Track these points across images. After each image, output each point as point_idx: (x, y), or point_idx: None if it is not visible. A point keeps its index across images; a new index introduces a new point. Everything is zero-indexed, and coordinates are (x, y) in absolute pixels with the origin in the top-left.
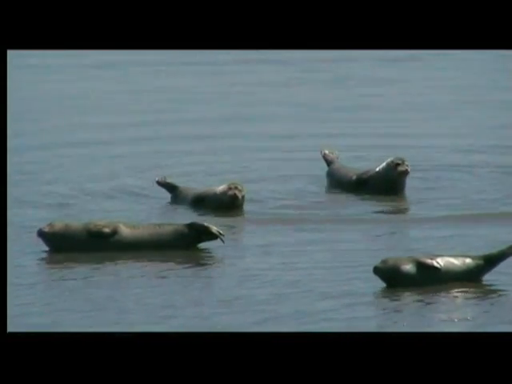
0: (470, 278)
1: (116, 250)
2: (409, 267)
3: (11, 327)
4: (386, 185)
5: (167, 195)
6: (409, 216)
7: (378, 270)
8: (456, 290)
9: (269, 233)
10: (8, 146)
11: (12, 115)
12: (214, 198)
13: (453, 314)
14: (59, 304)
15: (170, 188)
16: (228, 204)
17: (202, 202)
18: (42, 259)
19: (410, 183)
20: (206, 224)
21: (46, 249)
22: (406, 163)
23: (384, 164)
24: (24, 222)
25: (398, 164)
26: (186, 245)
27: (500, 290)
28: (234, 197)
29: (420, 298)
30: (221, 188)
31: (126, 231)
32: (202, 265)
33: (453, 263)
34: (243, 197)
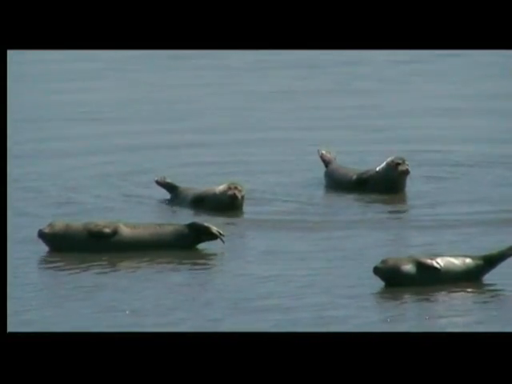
0: (469, 278)
1: (116, 250)
2: (409, 267)
3: (11, 327)
4: (386, 184)
5: (167, 195)
6: (410, 219)
7: (378, 270)
8: (456, 290)
9: (268, 234)
10: (8, 146)
11: (12, 115)
12: (214, 198)
13: (453, 314)
14: (59, 304)
15: (170, 188)
16: (227, 204)
17: (202, 202)
18: (43, 260)
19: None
20: (206, 224)
21: (47, 249)
22: (407, 163)
23: (384, 164)
24: (24, 222)
25: (398, 164)
26: (186, 245)
27: (500, 290)
28: (234, 197)
29: (420, 297)
30: (220, 188)
31: (126, 231)
32: (203, 265)
33: (453, 263)
34: (243, 197)
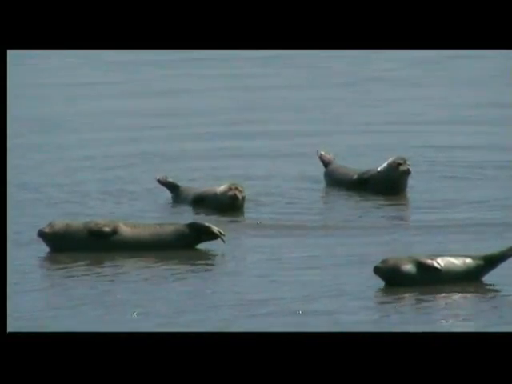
0: (470, 278)
1: (116, 249)
2: (409, 267)
3: (11, 327)
4: (387, 184)
5: (168, 195)
6: (410, 222)
7: (378, 270)
8: (456, 290)
9: (268, 235)
10: (8, 147)
11: (12, 115)
12: (215, 198)
13: (453, 314)
14: (59, 304)
15: (171, 187)
16: (228, 204)
17: (203, 202)
18: (43, 259)
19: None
20: (206, 224)
21: (47, 249)
22: (408, 163)
23: (385, 164)
24: (24, 222)
25: (399, 164)
26: (187, 244)
27: (500, 290)
28: (235, 197)
29: (420, 297)
30: (221, 188)
31: (126, 230)
32: (203, 265)
33: (453, 263)
34: (243, 197)
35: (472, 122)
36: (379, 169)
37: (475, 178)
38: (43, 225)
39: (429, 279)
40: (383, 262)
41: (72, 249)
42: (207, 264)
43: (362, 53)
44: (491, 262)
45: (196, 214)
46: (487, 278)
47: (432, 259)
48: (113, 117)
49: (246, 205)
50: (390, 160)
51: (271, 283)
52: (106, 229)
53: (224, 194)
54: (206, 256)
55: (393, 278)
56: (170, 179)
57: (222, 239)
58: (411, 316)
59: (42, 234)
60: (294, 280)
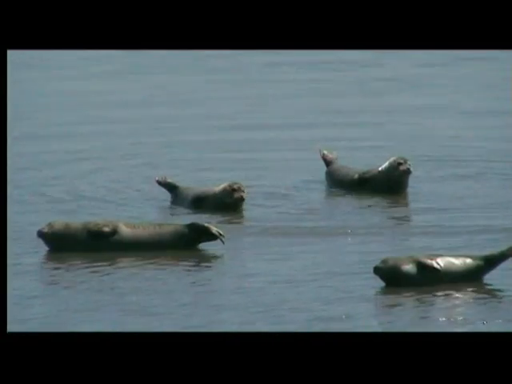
0: (470, 278)
1: (116, 249)
2: (409, 267)
3: (11, 327)
4: (388, 184)
5: (167, 195)
6: (410, 226)
7: (378, 270)
8: (456, 290)
9: (268, 235)
10: (8, 147)
11: (13, 114)
12: (214, 197)
13: (453, 314)
14: (59, 304)
15: (170, 188)
16: (229, 204)
17: (202, 202)
18: (42, 259)
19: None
20: (206, 224)
21: (46, 249)
22: (409, 162)
23: (386, 163)
24: (24, 222)
25: (400, 163)
26: (186, 245)
27: (500, 290)
28: (241, 199)
29: (420, 297)
30: (221, 188)
31: (126, 231)
32: (202, 265)
33: (453, 263)
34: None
35: (480, 121)
36: (380, 168)
37: (480, 179)
38: (42, 224)
39: (429, 279)
40: (383, 262)
41: (71, 249)
42: (206, 264)
43: (370, 53)
44: (491, 262)
45: (195, 214)
46: (487, 278)
47: (432, 259)
48: (113, 116)
49: (245, 205)
50: (391, 159)
51: (271, 283)
52: (106, 229)
53: (226, 194)
54: (206, 256)
55: (393, 278)
56: (169, 180)
57: (221, 240)
58: (411, 316)
59: (41, 234)
60: (294, 280)
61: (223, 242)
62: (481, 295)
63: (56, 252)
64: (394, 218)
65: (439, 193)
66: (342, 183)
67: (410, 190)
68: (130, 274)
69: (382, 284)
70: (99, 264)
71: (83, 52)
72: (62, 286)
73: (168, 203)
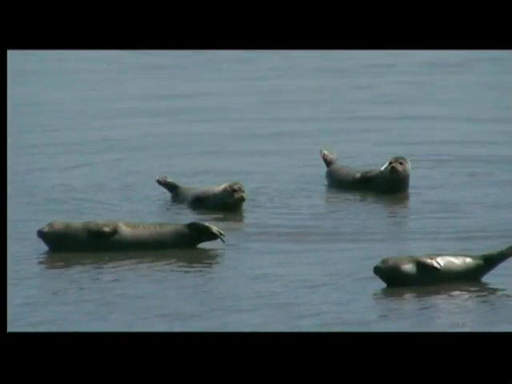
0: (470, 277)
1: (116, 249)
2: (409, 267)
3: (11, 327)
4: (389, 184)
5: (167, 195)
6: (410, 227)
7: (378, 270)
8: (456, 290)
9: (268, 235)
10: (8, 147)
11: (13, 114)
12: (214, 198)
13: (453, 314)
14: (59, 304)
15: (171, 187)
16: (230, 204)
17: (202, 202)
18: (42, 259)
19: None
20: (206, 224)
21: (47, 249)
22: (409, 162)
23: (387, 163)
24: (24, 221)
25: (400, 163)
26: (186, 244)
27: (500, 290)
28: (242, 199)
29: (420, 297)
30: (221, 188)
31: (126, 230)
32: (203, 265)
33: (453, 263)
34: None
35: (485, 121)
36: (382, 168)
37: (483, 179)
38: (43, 224)
39: (429, 279)
40: (383, 261)
41: (71, 249)
42: (207, 264)
43: (374, 52)
44: (491, 261)
45: (196, 214)
46: (487, 278)
47: (432, 259)
48: (112, 118)
49: (245, 205)
50: (392, 159)
51: (271, 284)
52: (106, 229)
53: (227, 194)
54: (206, 256)
55: (393, 278)
56: (170, 179)
57: (221, 239)
58: (411, 316)
59: (41, 234)
60: (294, 280)
61: (224, 242)
62: (481, 295)
63: (56, 252)
64: (394, 219)
65: (440, 193)
66: (343, 183)
67: (410, 190)
68: (129, 273)
69: (383, 284)
70: (100, 265)
71: (83, 52)
72: (62, 286)
73: (168, 203)
